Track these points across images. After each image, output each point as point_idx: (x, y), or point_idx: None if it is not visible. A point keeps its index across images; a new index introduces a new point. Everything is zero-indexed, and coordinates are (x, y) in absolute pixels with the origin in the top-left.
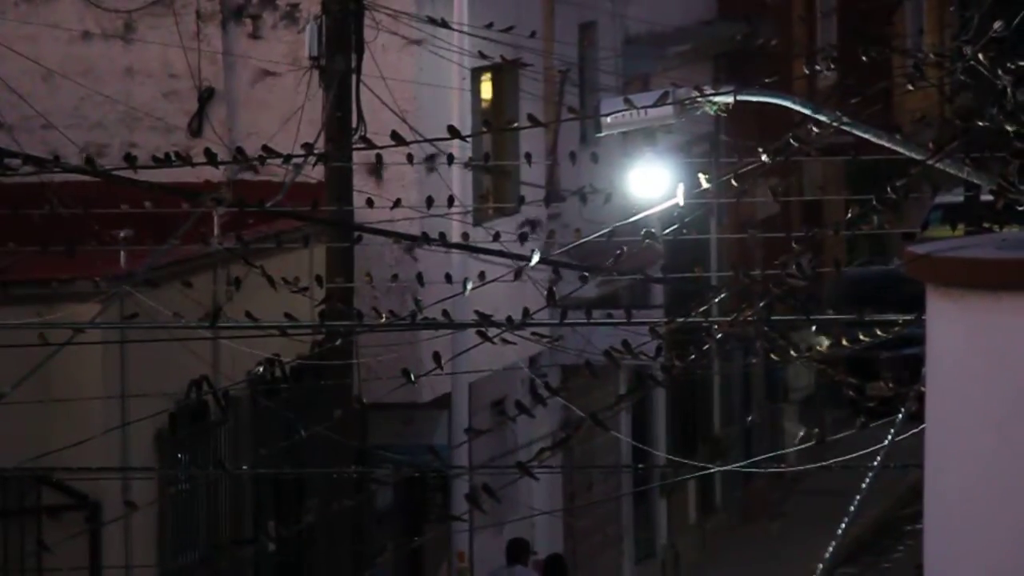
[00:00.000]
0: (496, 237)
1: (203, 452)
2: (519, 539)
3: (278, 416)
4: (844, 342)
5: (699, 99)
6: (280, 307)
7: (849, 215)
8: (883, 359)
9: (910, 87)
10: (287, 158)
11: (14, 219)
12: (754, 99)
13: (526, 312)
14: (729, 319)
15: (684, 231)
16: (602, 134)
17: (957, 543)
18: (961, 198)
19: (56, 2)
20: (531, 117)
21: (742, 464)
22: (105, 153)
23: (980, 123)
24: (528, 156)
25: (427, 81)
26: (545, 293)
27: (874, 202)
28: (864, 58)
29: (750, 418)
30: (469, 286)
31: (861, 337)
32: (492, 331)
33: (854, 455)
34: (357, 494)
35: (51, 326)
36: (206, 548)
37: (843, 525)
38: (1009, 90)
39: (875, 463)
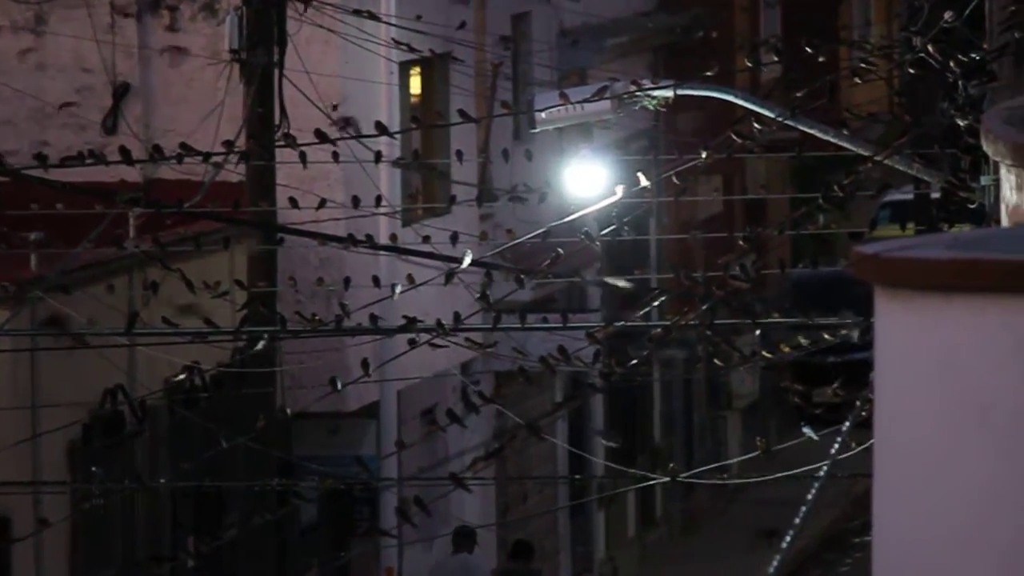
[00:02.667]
0: (426, 239)
1: (118, 464)
2: (465, 526)
3: (197, 427)
4: (784, 348)
5: (637, 93)
6: (200, 313)
7: (794, 214)
8: (831, 364)
9: (857, 80)
10: (206, 156)
11: None
12: (695, 93)
13: (457, 317)
14: (669, 323)
15: (622, 231)
16: (536, 130)
17: (906, 554)
18: (911, 196)
19: None
20: (462, 113)
21: (684, 475)
22: (14, 152)
23: (930, 117)
24: (459, 153)
25: (353, 75)
26: (477, 296)
27: (820, 200)
28: (809, 50)
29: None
30: (398, 290)
31: (802, 341)
32: (422, 336)
33: (803, 469)
34: (280, 508)
35: None
36: (122, 565)
37: (789, 537)
38: (960, 83)
39: (822, 473)
